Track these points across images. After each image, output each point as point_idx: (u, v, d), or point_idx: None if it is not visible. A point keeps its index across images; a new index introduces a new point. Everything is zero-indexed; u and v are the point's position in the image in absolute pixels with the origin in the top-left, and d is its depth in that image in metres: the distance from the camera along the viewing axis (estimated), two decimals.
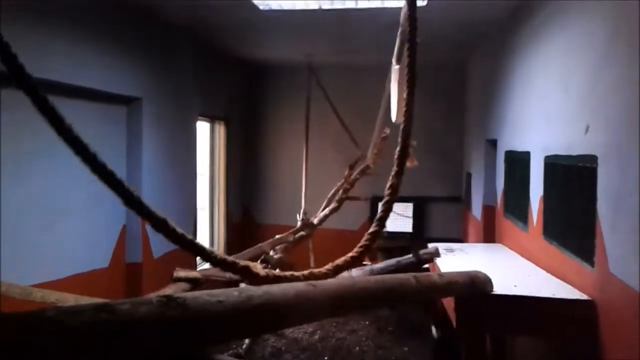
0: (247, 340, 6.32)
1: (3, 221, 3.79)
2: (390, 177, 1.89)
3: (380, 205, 1.94)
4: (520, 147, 4.63)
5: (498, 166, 5.68)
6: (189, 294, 1.37)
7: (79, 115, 4.87)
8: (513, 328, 3.49)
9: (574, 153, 3.16)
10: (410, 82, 1.92)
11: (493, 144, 5.97)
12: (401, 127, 1.90)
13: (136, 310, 1.18)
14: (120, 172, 5.45)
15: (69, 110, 4.86)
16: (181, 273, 3.67)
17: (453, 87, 9.12)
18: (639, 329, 2.24)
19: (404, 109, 1.98)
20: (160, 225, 1.63)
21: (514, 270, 3.84)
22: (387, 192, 1.91)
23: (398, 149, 1.90)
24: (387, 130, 7.23)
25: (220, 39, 7.34)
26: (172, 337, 1.25)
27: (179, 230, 1.69)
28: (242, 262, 1.76)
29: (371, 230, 1.88)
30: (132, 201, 1.62)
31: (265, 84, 9.81)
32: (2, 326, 1.07)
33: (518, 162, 4.69)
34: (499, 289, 3.04)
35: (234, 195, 9.21)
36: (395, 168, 1.89)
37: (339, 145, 7.29)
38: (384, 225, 1.92)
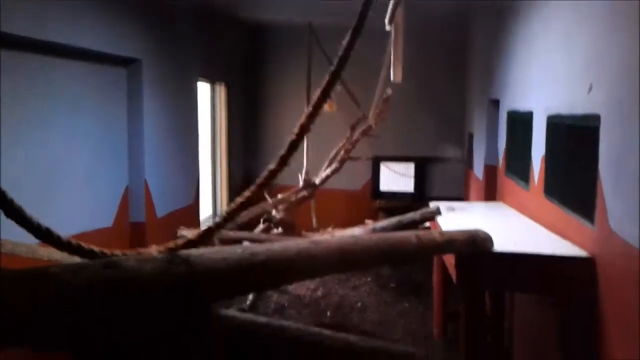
0: (250, 297, 6.44)
1: (7, 182, 3.81)
2: (303, 117, 1.84)
3: (287, 142, 1.87)
4: (522, 107, 4.60)
5: (500, 126, 5.66)
6: (194, 251, 1.39)
7: (78, 78, 4.85)
8: (513, 285, 3.53)
9: (577, 112, 3.15)
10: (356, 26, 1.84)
11: (495, 104, 5.94)
12: (331, 68, 1.83)
13: (142, 267, 1.20)
14: (122, 136, 5.49)
15: (68, 72, 4.87)
16: (185, 232, 3.71)
17: (455, 47, 9.01)
18: (638, 286, 2.27)
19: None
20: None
21: (514, 228, 3.87)
22: (295, 131, 1.86)
23: (319, 90, 1.84)
24: (389, 91, 7.19)
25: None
26: (177, 293, 1.27)
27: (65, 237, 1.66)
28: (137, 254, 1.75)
29: (270, 167, 1.85)
30: None
31: (266, 45, 9.70)
32: (8, 283, 1.08)
33: (520, 122, 4.67)
34: (499, 246, 3.06)
35: (236, 156, 9.21)
36: (309, 109, 1.84)
37: (341, 106, 7.25)
38: (285, 163, 1.87)
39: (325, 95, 1.84)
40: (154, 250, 1.78)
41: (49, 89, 4.45)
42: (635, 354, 2.29)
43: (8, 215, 1.59)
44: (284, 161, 1.84)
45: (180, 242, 1.82)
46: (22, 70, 4.12)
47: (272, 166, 1.84)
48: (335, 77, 1.83)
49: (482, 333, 3.58)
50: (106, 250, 1.70)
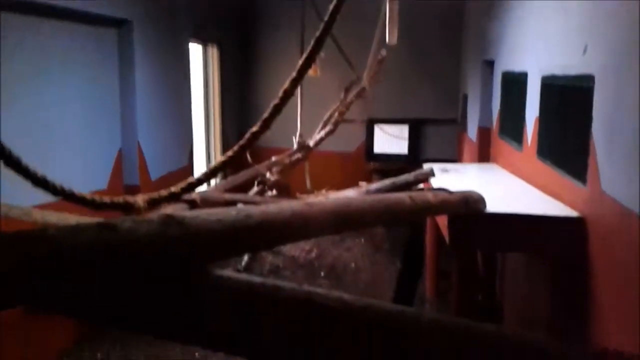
0: (245, 258, 6.50)
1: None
2: (286, 82, 1.84)
3: (270, 106, 1.87)
4: (517, 68, 4.58)
5: (494, 87, 5.64)
6: (188, 213, 1.40)
7: (68, 40, 4.77)
8: (505, 245, 3.58)
9: (571, 73, 3.14)
10: None
11: (490, 64, 5.90)
12: (317, 33, 1.81)
13: (138, 229, 1.21)
14: (114, 98, 5.44)
15: (58, 34, 4.78)
16: (163, 192, 3.70)
17: (450, 7, 8.88)
18: (627, 245, 2.31)
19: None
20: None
21: (507, 189, 3.90)
22: (279, 95, 1.86)
23: (304, 55, 1.83)
24: (384, 52, 7.11)
25: None
26: (173, 255, 1.29)
27: (59, 184, 1.69)
28: (122, 199, 1.79)
29: (252, 129, 1.87)
30: None
31: (259, 5, 9.54)
32: (3, 245, 1.09)
33: (515, 83, 4.66)
34: (491, 207, 3.09)
35: (229, 118, 9.16)
36: (294, 74, 1.83)
37: (335, 68, 7.18)
38: (267, 126, 1.89)
39: (309, 61, 1.82)
40: (140, 200, 1.81)
41: (39, 51, 4.39)
42: (624, 310, 2.35)
43: (8, 164, 1.62)
44: (266, 124, 1.85)
45: (163, 193, 1.86)
46: (11, 31, 4.05)
47: (254, 129, 1.85)
48: (319, 42, 1.82)
49: (473, 292, 3.65)
50: (107, 199, 1.74)
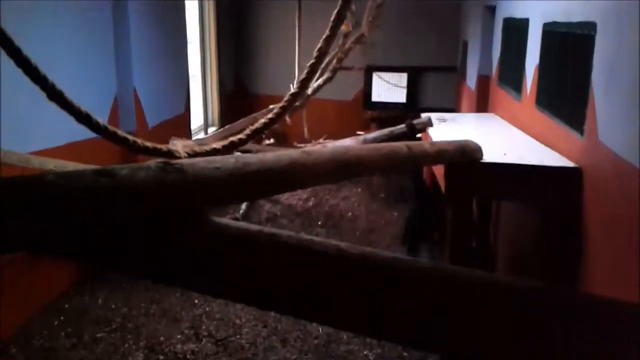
0: (244, 206, 6.55)
1: None
2: (320, 41, 1.82)
3: (306, 66, 1.87)
4: (519, 14, 4.50)
5: (495, 34, 5.55)
6: (186, 161, 1.40)
7: None
8: (501, 194, 3.61)
9: (573, 20, 3.09)
10: None
11: (492, 10, 5.79)
12: None
13: (135, 175, 1.21)
14: (107, 40, 5.35)
15: None
16: (177, 141, 3.70)
17: None
18: (623, 196, 2.33)
19: None
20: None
21: (504, 139, 3.90)
22: (315, 54, 1.84)
23: (335, 11, 1.80)
24: None
25: None
26: (171, 200, 1.29)
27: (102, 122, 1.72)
28: (166, 147, 1.80)
29: (292, 91, 1.86)
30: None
31: None
32: (1, 191, 1.09)
33: (516, 30, 4.59)
34: (488, 157, 3.10)
35: (226, 64, 9.04)
36: (327, 32, 1.81)
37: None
38: (306, 87, 1.89)
39: (341, 17, 1.79)
40: (181, 149, 1.82)
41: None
42: (618, 260, 2.39)
43: (51, 98, 1.67)
44: (305, 85, 1.85)
45: (205, 147, 1.86)
46: None
47: (294, 90, 1.84)
48: None
49: (467, 240, 3.70)
50: (149, 143, 1.75)
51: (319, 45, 1.83)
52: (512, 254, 4.40)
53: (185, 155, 1.80)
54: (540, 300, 1.35)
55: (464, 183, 3.16)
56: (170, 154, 1.73)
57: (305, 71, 1.82)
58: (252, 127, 1.84)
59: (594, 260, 2.67)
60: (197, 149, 1.80)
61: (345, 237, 5.98)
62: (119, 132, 1.70)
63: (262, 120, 1.85)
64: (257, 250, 1.31)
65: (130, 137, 1.69)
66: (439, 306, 1.32)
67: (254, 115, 5.92)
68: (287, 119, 6.32)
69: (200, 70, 8.49)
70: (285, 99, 1.84)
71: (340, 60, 7.16)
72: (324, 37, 1.81)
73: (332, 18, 1.80)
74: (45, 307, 4.50)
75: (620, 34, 2.46)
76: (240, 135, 1.87)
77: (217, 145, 1.83)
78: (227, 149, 1.88)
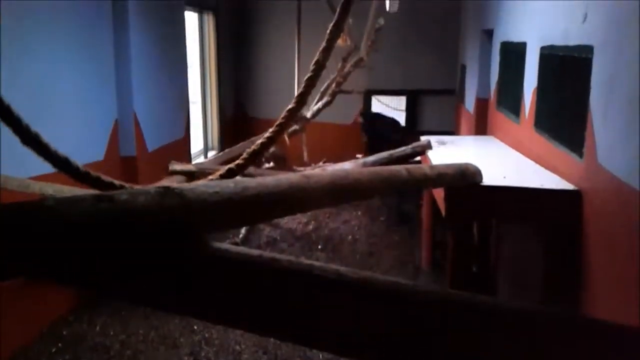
0: (243, 230, 6.53)
1: None
2: (318, 53, 1.80)
3: (303, 80, 1.85)
4: (516, 38, 4.54)
5: (493, 58, 5.60)
6: (186, 185, 1.40)
7: (62, 7, 4.69)
8: (501, 218, 3.61)
9: (570, 43, 3.11)
10: None
11: (489, 34, 5.84)
12: (342, 1, 1.77)
13: (135, 200, 1.21)
14: (109, 67, 5.38)
15: (52, 3, 4.67)
16: (176, 166, 3.71)
17: None
18: (623, 217, 2.32)
19: None
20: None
21: (504, 161, 3.90)
22: (311, 67, 1.82)
23: (332, 24, 1.78)
24: (381, 21, 7.04)
25: None
26: (170, 226, 1.29)
27: (82, 167, 1.68)
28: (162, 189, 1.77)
29: (289, 107, 1.83)
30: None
31: None
32: (0, 216, 1.09)
33: (514, 53, 4.62)
34: (488, 180, 3.10)
35: (226, 88, 9.10)
36: (323, 44, 1.78)
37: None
38: (304, 102, 1.86)
39: (338, 30, 1.78)
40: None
41: (32, 18, 4.32)
42: (617, 283, 2.37)
43: (25, 142, 1.59)
44: (302, 100, 1.81)
45: (204, 181, 1.84)
46: (4, 2, 3.98)
47: (291, 105, 1.81)
48: (346, 9, 1.77)
49: (468, 263, 3.68)
50: (125, 184, 1.72)
51: (315, 58, 1.81)
52: (513, 277, 4.37)
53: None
54: (544, 326, 1.33)
55: (464, 206, 3.16)
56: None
57: (303, 85, 1.80)
58: (250, 150, 1.82)
59: (594, 282, 2.65)
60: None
61: (345, 261, 5.95)
62: (103, 177, 1.67)
63: (260, 141, 1.83)
64: (257, 276, 1.30)
65: (117, 182, 1.66)
66: (441, 331, 1.30)
67: (253, 139, 5.94)
68: (286, 138, 6.34)
69: (200, 94, 8.54)
70: (282, 115, 1.83)
71: (339, 84, 7.22)
72: (320, 49, 1.80)
73: (328, 30, 1.79)
74: (43, 333, 4.46)
75: (617, 57, 2.48)
76: (238, 161, 1.85)
77: (214, 176, 1.81)
78: (224, 177, 1.86)
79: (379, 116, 8.03)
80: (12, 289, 3.97)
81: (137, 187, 1.78)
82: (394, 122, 8.05)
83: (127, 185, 1.73)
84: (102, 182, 1.69)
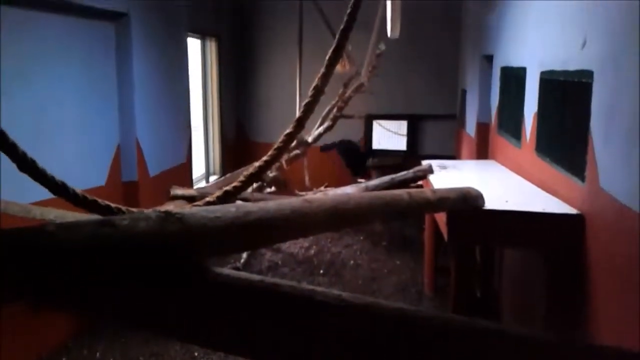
0: (245, 255, 6.50)
1: None
2: (317, 79, 1.82)
3: (303, 105, 1.87)
4: (516, 63, 4.58)
5: (493, 83, 5.63)
6: (187, 210, 1.40)
7: (65, 33, 4.75)
8: (503, 242, 3.59)
9: (570, 68, 3.13)
10: None
11: (489, 59, 5.89)
12: (341, 27, 1.79)
13: (136, 225, 1.21)
14: (111, 93, 5.42)
15: (55, 27, 4.74)
16: (178, 191, 3.71)
17: (449, 1, 8.87)
18: (625, 242, 2.31)
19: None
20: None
21: (505, 186, 3.90)
22: (310, 93, 1.83)
23: (331, 50, 1.80)
24: (382, 47, 7.11)
25: None
26: (171, 251, 1.29)
27: (80, 192, 1.69)
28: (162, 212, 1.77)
29: (287, 131, 1.84)
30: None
31: None
32: (2, 241, 1.09)
33: (513, 78, 4.65)
34: (490, 204, 3.09)
35: (227, 113, 9.14)
36: (322, 70, 1.80)
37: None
38: (302, 126, 1.87)
39: (337, 55, 1.80)
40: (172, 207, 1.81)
41: (35, 44, 4.37)
42: (621, 308, 2.35)
43: (21, 169, 1.61)
44: (301, 124, 1.82)
45: (199, 203, 1.84)
46: (7, 25, 4.03)
47: (289, 130, 1.82)
48: (345, 35, 1.79)
49: (471, 288, 3.66)
50: (122, 207, 1.72)
51: (314, 84, 1.83)
52: (516, 301, 4.33)
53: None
54: (547, 352, 1.32)
55: (466, 230, 3.15)
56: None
57: (302, 110, 1.81)
58: (247, 173, 1.82)
59: (597, 306, 2.63)
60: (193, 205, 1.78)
61: (347, 286, 5.91)
62: (99, 200, 1.68)
63: (257, 164, 1.84)
64: (258, 302, 1.29)
65: (114, 205, 1.67)
66: (444, 357, 1.29)
67: (253, 164, 5.94)
68: (284, 163, 6.35)
69: (202, 119, 8.58)
70: (281, 139, 1.84)
71: (340, 109, 7.26)
72: (319, 75, 1.81)
73: (327, 56, 1.81)
74: (42, 359, 4.41)
75: (617, 81, 2.49)
76: (236, 183, 1.85)
77: (211, 198, 1.81)
78: (222, 200, 1.86)
79: (349, 142, 9.07)
80: (12, 314, 3.95)
81: (136, 210, 1.77)
82: (355, 146, 9.18)
83: (123, 208, 1.73)
84: (98, 205, 1.69)
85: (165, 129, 6.43)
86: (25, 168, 1.57)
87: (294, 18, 7.61)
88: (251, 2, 9.51)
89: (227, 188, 1.81)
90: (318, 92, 1.81)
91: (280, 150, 1.85)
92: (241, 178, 1.82)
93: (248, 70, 9.72)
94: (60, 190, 1.67)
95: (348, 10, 1.77)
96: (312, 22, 7.56)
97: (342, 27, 1.79)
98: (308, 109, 1.80)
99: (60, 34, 4.68)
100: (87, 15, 5.00)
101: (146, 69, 5.86)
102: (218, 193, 1.80)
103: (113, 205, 1.69)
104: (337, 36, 1.78)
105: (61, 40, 4.70)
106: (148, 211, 1.40)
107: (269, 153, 1.85)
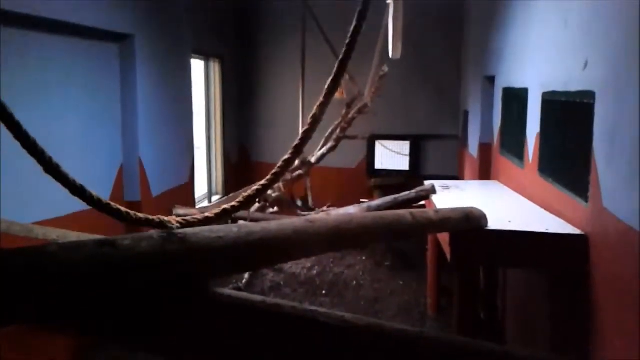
0: (246, 275, 6.47)
1: (2, 160, 3.79)
2: (315, 107, 1.86)
3: (300, 133, 1.90)
4: (518, 84, 4.59)
5: (495, 103, 5.65)
6: (189, 230, 1.39)
7: (70, 54, 4.80)
8: (507, 262, 3.57)
9: (572, 89, 3.14)
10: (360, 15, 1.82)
11: (491, 80, 5.92)
12: (340, 57, 1.83)
13: (138, 245, 1.21)
14: (115, 113, 5.46)
15: (60, 48, 4.79)
16: (180, 211, 3.71)
17: (451, 23, 8.94)
18: (629, 262, 2.29)
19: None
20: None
21: (508, 206, 3.89)
22: (308, 121, 1.87)
23: (329, 79, 1.84)
24: (385, 68, 7.15)
25: None
26: (173, 271, 1.28)
27: (95, 194, 1.73)
28: (158, 218, 1.78)
29: (285, 157, 1.87)
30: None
31: (259, 19, 9.61)
32: (4, 261, 1.09)
33: (515, 99, 4.67)
34: (493, 224, 3.08)
35: (230, 134, 9.18)
36: (321, 98, 1.84)
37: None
38: (299, 152, 1.90)
39: (335, 84, 1.83)
40: (174, 220, 1.81)
41: (41, 65, 4.41)
42: (626, 328, 2.33)
43: (47, 171, 1.70)
44: (298, 150, 1.85)
45: (198, 216, 1.85)
46: (13, 46, 4.07)
47: (287, 156, 1.85)
48: (343, 65, 1.83)
49: (475, 309, 3.63)
50: (141, 215, 1.74)
51: (312, 112, 1.86)
52: (520, 322, 4.30)
53: (178, 225, 1.79)
54: None
55: (469, 251, 3.13)
56: (163, 225, 1.72)
57: (299, 137, 1.84)
58: (245, 194, 1.84)
59: (602, 327, 2.61)
60: (190, 218, 1.79)
61: (350, 307, 5.87)
62: (112, 204, 1.70)
63: (255, 187, 1.85)
64: (259, 322, 1.28)
65: (123, 209, 1.68)
66: None
67: (257, 183, 5.95)
68: (281, 186, 6.36)
69: (205, 139, 8.62)
70: (278, 164, 1.86)
71: (344, 130, 7.28)
72: (318, 103, 1.85)
73: (326, 85, 1.84)
74: None
75: (619, 102, 2.50)
76: (233, 203, 1.87)
77: (210, 213, 1.82)
78: (220, 217, 1.88)
79: None
80: (11, 335, 3.92)
81: (142, 216, 1.78)
82: None
83: (132, 213, 1.75)
84: (111, 208, 1.73)
85: (168, 149, 6.45)
86: (51, 170, 1.67)
87: (296, 39, 7.68)
88: (254, 23, 9.60)
89: (225, 206, 1.83)
90: (316, 120, 1.85)
91: (277, 176, 1.87)
92: (240, 199, 1.84)
93: (251, 91, 9.77)
94: (78, 191, 1.74)
95: (347, 41, 1.80)
96: (315, 42, 7.63)
97: (340, 57, 1.82)
98: (305, 137, 1.83)
99: (64, 55, 4.72)
100: (91, 36, 5.05)
101: (150, 90, 5.90)
102: (217, 210, 1.82)
103: (124, 210, 1.71)
104: (335, 66, 1.82)
105: (66, 60, 4.74)
106: (151, 231, 1.40)
107: (267, 177, 1.87)
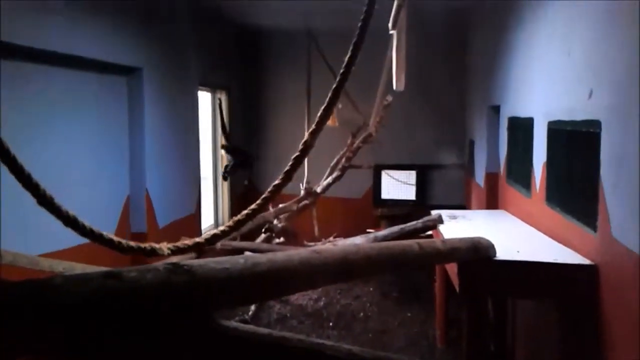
0: (253, 307, 6.42)
1: (8, 192, 3.80)
2: (306, 134, 1.88)
3: (292, 159, 1.93)
4: (523, 113, 4.61)
5: (501, 133, 5.66)
6: (195, 261, 1.39)
7: (78, 87, 4.86)
8: (515, 293, 3.52)
9: (577, 118, 3.15)
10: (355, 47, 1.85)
11: (496, 110, 5.94)
12: (333, 86, 1.87)
13: (143, 277, 1.20)
14: (123, 145, 5.50)
15: (69, 81, 4.85)
16: (187, 242, 3.70)
17: (455, 53, 9.01)
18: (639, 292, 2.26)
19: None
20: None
21: (516, 236, 3.86)
22: (300, 147, 1.89)
23: (323, 107, 1.87)
24: (389, 98, 7.19)
25: (219, 5, 7.25)
26: (179, 303, 1.27)
27: (88, 225, 1.75)
28: (149, 246, 1.79)
29: (275, 182, 1.89)
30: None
31: (265, 51, 9.72)
32: (10, 294, 1.08)
33: (521, 128, 4.68)
34: (501, 254, 3.06)
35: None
36: (313, 126, 1.87)
37: (342, 113, 7.25)
38: (289, 178, 1.92)
39: (328, 112, 1.86)
40: (164, 246, 1.81)
41: (49, 98, 4.46)
42: (636, 355, 2.29)
43: (40, 203, 1.71)
44: (288, 176, 1.88)
45: (188, 242, 1.86)
46: (22, 79, 4.13)
47: (277, 181, 1.88)
48: (337, 93, 1.86)
49: (484, 340, 3.57)
50: (133, 243, 1.75)
51: (304, 139, 1.89)
52: (530, 353, 4.22)
53: (169, 252, 1.80)
54: None
55: (478, 281, 3.10)
56: (154, 252, 1.74)
57: (290, 163, 1.86)
58: (235, 218, 1.86)
59: (612, 358, 2.56)
60: (180, 244, 1.80)
61: (357, 340, 5.80)
62: (105, 234, 1.72)
63: (245, 212, 1.87)
64: (266, 356, 1.27)
65: (116, 239, 1.71)
66: None
67: (263, 214, 5.95)
68: (270, 208, 6.34)
69: (211, 169, 8.65)
70: (269, 189, 1.88)
71: (349, 159, 7.30)
72: (309, 130, 1.87)
73: (319, 113, 1.86)
74: None
75: (625, 131, 2.50)
76: (223, 227, 1.88)
77: (200, 239, 1.83)
78: (209, 242, 1.89)
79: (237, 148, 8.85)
80: None
81: (148, 246, 1.79)
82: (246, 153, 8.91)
83: (124, 242, 1.76)
84: (104, 239, 1.74)
85: (175, 180, 6.47)
86: (44, 203, 1.69)
87: (301, 69, 7.76)
88: (260, 55, 9.72)
89: (215, 231, 1.85)
90: (307, 146, 1.88)
91: (267, 201, 1.90)
92: (229, 223, 1.86)
93: (257, 122, 9.84)
94: (71, 222, 1.76)
95: (342, 70, 1.82)
96: (320, 72, 7.70)
97: (334, 85, 1.85)
98: (296, 162, 1.87)
99: (73, 88, 4.78)
100: (100, 69, 5.12)
101: (157, 122, 5.95)
102: (207, 236, 1.84)
103: (116, 239, 1.72)
104: (329, 95, 1.84)
105: (74, 93, 4.79)
106: (157, 263, 1.40)
107: (257, 202, 1.90)
